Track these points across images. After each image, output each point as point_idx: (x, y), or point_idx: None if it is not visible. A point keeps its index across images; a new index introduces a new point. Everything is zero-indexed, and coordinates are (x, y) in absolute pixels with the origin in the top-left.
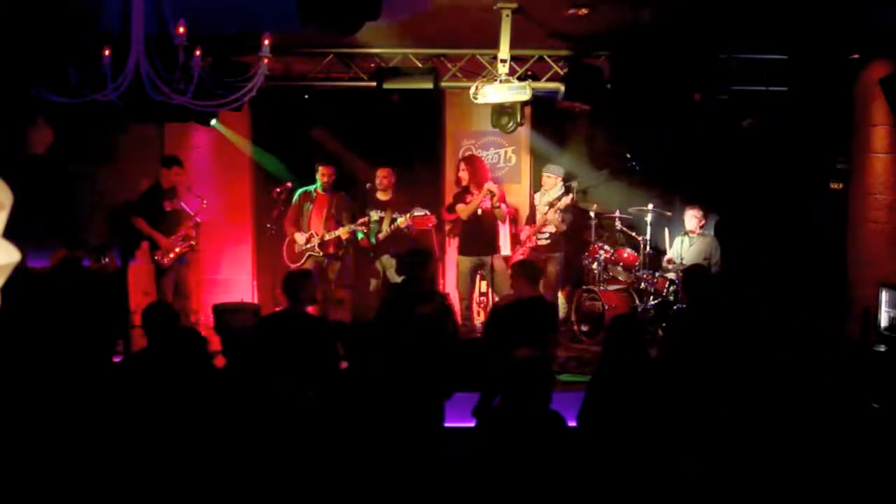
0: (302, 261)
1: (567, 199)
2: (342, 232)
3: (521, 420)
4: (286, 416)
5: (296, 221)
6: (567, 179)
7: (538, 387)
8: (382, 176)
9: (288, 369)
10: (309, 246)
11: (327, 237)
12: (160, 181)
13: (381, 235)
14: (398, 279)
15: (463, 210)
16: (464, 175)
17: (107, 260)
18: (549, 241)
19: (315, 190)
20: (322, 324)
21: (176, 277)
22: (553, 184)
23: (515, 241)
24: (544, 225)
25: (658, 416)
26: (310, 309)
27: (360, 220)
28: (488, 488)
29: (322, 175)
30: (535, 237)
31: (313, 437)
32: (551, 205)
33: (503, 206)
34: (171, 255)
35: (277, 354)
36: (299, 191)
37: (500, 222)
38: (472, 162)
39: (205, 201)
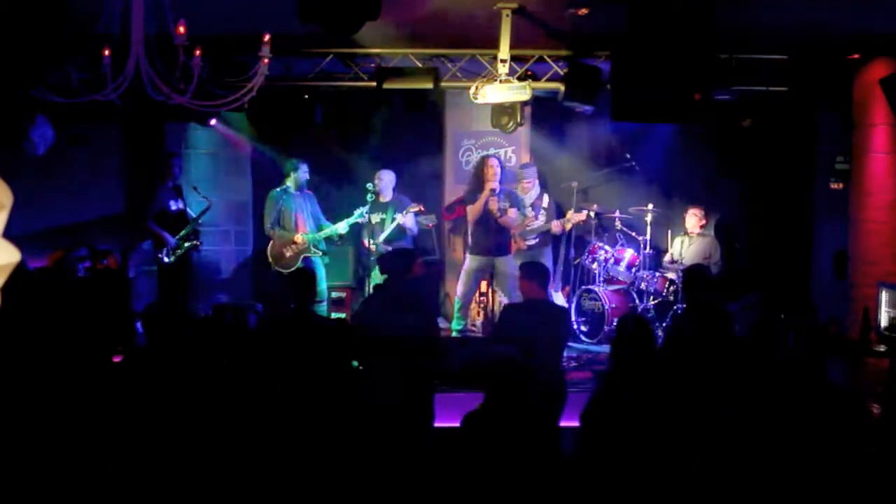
0: (297, 263)
1: (580, 217)
2: (340, 227)
3: (505, 420)
4: (287, 415)
5: (278, 224)
6: (562, 181)
7: (521, 387)
8: (380, 178)
9: (293, 369)
10: (305, 245)
11: (324, 234)
12: (164, 181)
13: (383, 237)
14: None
15: (471, 211)
16: (489, 175)
17: (107, 261)
18: (537, 240)
19: (290, 190)
20: (326, 323)
21: (179, 277)
22: (529, 186)
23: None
24: (531, 227)
25: (661, 416)
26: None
27: (358, 212)
28: (474, 488)
29: (305, 173)
30: (523, 240)
31: (315, 437)
32: (535, 205)
33: (511, 211)
34: (176, 255)
35: (282, 354)
36: (275, 194)
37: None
38: (496, 164)
39: (210, 202)
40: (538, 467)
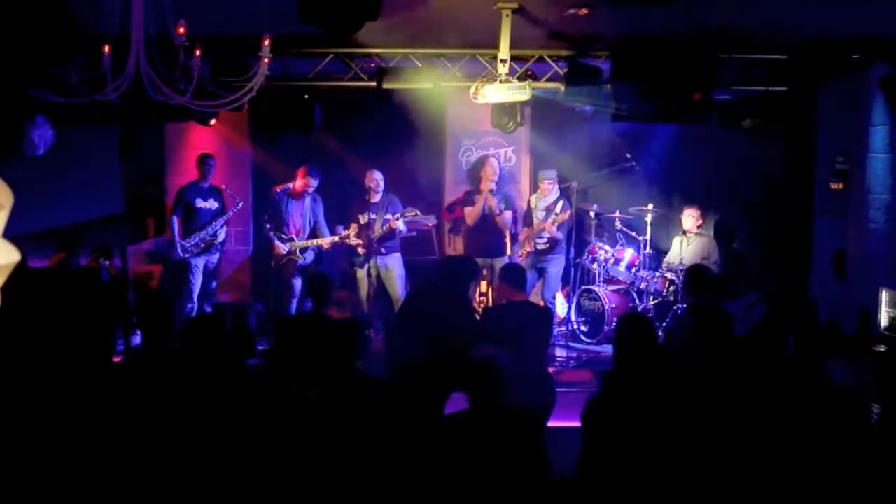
0: (282, 262)
1: (564, 216)
2: (324, 242)
3: (482, 419)
4: (299, 417)
5: (274, 221)
6: (562, 181)
7: (495, 386)
8: (370, 179)
9: (307, 372)
10: (290, 249)
11: (309, 244)
12: (198, 179)
13: (373, 237)
14: (393, 282)
15: (469, 214)
16: (488, 175)
17: (107, 260)
18: (547, 244)
19: (293, 191)
20: (338, 325)
21: (203, 277)
22: (550, 188)
23: (514, 240)
24: (541, 231)
25: (662, 416)
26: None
27: (343, 234)
28: (457, 489)
29: (305, 184)
30: (533, 241)
31: (325, 438)
32: (548, 209)
33: (507, 213)
34: (188, 254)
35: (297, 357)
36: (275, 194)
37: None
38: (495, 164)
39: (240, 202)
40: (521, 468)
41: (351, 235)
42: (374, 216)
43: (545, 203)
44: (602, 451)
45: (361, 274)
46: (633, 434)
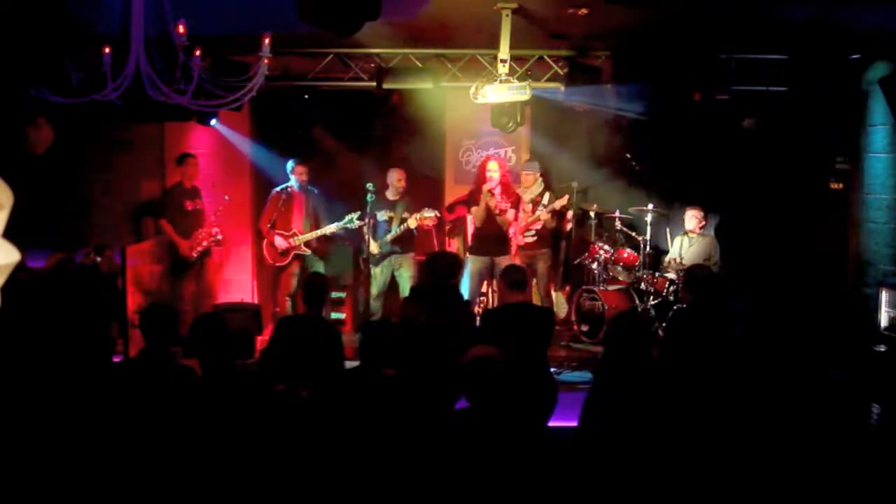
0: (288, 260)
1: (563, 200)
2: (327, 230)
3: (481, 421)
4: (295, 418)
5: (273, 220)
6: (561, 181)
7: (494, 386)
8: (397, 178)
9: (305, 372)
10: (295, 244)
11: (313, 235)
12: (182, 181)
13: (390, 236)
14: (406, 281)
15: (475, 214)
16: (489, 174)
17: (99, 258)
18: (535, 238)
19: (291, 188)
20: (334, 327)
21: (197, 279)
22: (533, 180)
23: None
24: (535, 222)
25: (657, 415)
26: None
27: (348, 217)
28: (459, 489)
29: (300, 174)
30: (521, 235)
31: (325, 441)
32: (534, 202)
33: (510, 212)
34: (195, 254)
35: (295, 358)
36: (275, 190)
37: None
38: (497, 164)
39: (226, 198)
40: (524, 467)
41: (354, 219)
42: (391, 213)
43: (530, 196)
44: (596, 450)
45: (375, 272)
46: (625, 433)
